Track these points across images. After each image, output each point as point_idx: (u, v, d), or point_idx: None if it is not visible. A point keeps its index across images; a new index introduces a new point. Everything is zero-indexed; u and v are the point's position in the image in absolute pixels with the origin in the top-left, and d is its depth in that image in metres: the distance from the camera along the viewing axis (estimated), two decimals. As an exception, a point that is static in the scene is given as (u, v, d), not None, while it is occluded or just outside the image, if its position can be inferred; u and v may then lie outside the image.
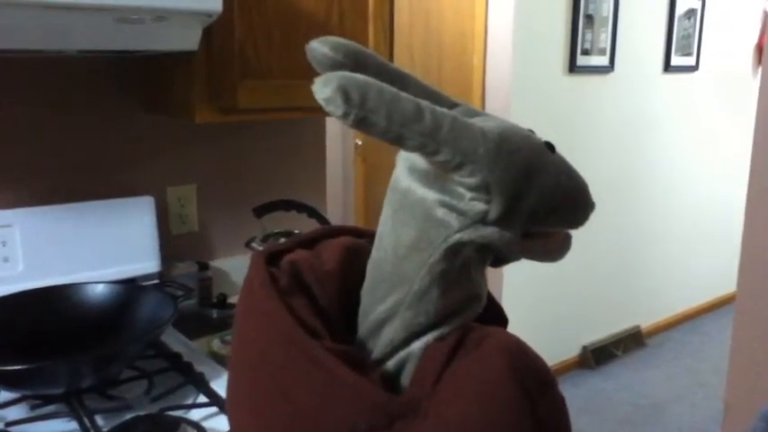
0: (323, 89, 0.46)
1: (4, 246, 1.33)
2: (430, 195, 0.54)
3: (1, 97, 1.37)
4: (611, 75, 3.42)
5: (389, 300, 0.57)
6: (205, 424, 1.06)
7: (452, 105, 0.59)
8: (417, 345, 0.56)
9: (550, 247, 0.59)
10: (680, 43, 3.75)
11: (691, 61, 3.85)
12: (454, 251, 0.54)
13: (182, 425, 1.05)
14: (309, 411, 0.53)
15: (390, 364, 0.57)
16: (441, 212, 0.54)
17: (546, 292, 3.36)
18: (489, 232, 0.53)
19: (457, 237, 0.54)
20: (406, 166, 0.56)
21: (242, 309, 0.61)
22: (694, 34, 3.83)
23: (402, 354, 0.57)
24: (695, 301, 4.27)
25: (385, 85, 0.48)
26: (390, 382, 0.57)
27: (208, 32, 1.20)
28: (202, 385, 1.19)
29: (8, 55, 1.33)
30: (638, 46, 3.53)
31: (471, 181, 0.52)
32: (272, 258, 0.63)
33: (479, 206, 0.53)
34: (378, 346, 0.58)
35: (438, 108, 0.51)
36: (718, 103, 4.13)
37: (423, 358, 0.55)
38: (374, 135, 0.49)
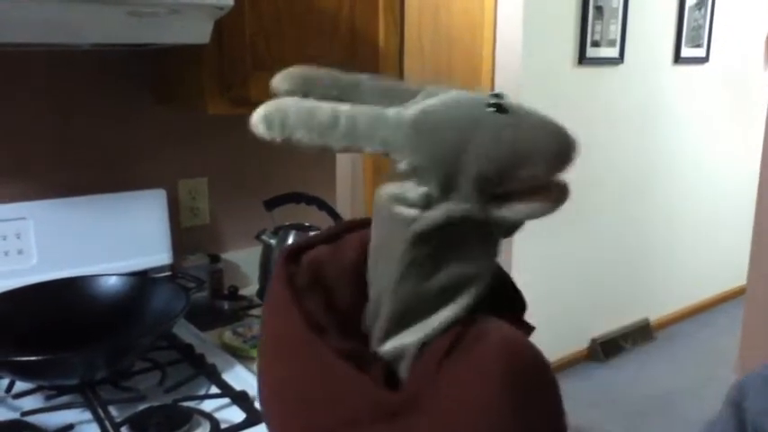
0: (253, 118, 0.52)
1: (18, 238, 1.34)
2: (386, 193, 0.56)
3: (14, 91, 1.38)
4: (621, 66, 3.40)
5: (373, 294, 0.59)
6: (217, 415, 1.07)
7: (414, 94, 0.61)
8: (409, 338, 0.57)
9: (538, 202, 0.58)
10: (690, 34, 3.72)
11: (701, 53, 3.82)
12: (418, 241, 0.55)
13: (194, 416, 1.06)
14: (316, 405, 0.55)
15: (388, 358, 0.58)
16: (396, 208, 0.55)
17: (555, 285, 3.35)
18: (441, 212, 0.54)
19: (413, 228, 0.55)
20: None
21: (265, 305, 0.63)
22: (705, 25, 3.80)
23: (397, 348, 0.58)
24: (704, 294, 4.26)
25: (304, 104, 0.53)
26: (393, 376, 0.57)
27: (219, 25, 1.21)
28: (214, 376, 1.20)
29: (22, 49, 1.34)
30: (648, 37, 3.51)
31: (403, 168, 0.53)
32: (297, 255, 0.63)
33: (419, 190, 0.54)
34: (374, 341, 0.59)
35: (357, 108, 0.54)
36: (728, 94, 4.10)
37: (418, 355, 0.55)
38: (304, 149, 0.53)
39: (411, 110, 0.55)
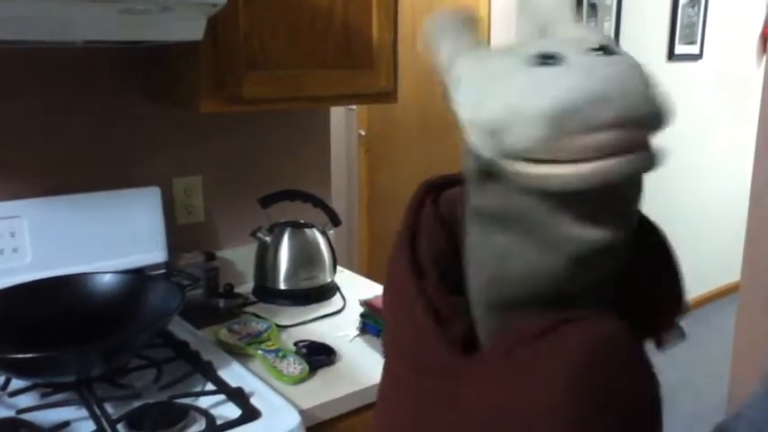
0: None
1: (12, 236, 1.34)
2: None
3: (8, 89, 1.38)
4: (615, 64, 3.41)
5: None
6: (213, 411, 1.07)
7: None
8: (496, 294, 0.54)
9: (559, 168, 0.49)
10: (684, 32, 3.73)
11: (695, 50, 3.84)
12: (471, 197, 0.54)
13: (190, 412, 1.07)
14: (400, 343, 0.58)
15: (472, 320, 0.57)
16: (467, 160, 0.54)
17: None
18: (469, 160, 0.53)
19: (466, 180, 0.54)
20: None
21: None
22: (698, 23, 3.82)
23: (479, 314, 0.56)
24: (699, 291, 4.27)
25: None
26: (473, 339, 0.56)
27: (213, 23, 1.21)
28: (210, 374, 1.20)
29: (15, 46, 1.34)
30: (642, 34, 3.52)
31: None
32: (440, 189, 0.63)
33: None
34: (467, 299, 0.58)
35: None
36: (722, 91, 4.11)
37: (499, 334, 0.54)
38: None
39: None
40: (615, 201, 0.50)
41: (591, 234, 0.49)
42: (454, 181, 0.61)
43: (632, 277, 0.56)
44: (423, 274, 0.57)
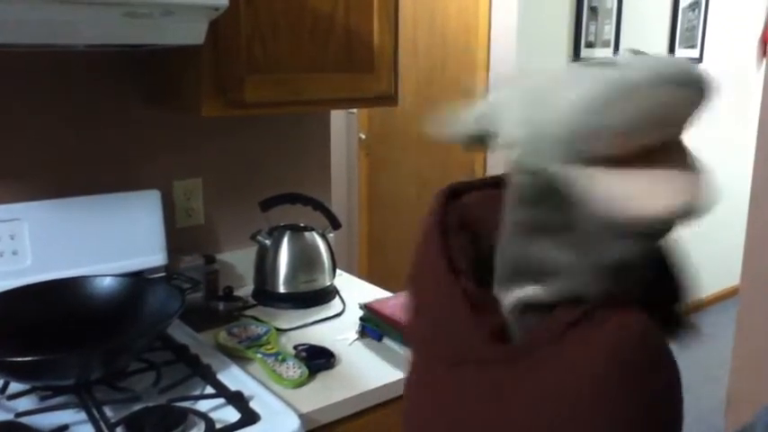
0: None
1: (12, 239, 1.34)
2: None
3: (9, 92, 1.38)
4: (616, 67, 3.41)
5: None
6: (212, 415, 1.07)
7: None
8: (506, 299, 0.56)
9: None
10: (684, 35, 3.74)
11: (695, 53, 3.84)
12: (516, 199, 0.56)
13: (189, 416, 1.06)
14: (435, 335, 0.59)
15: (509, 312, 0.58)
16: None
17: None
18: (515, 166, 0.55)
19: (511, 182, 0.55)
20: None
21: (420, 232, 0.66)
22: (698, 26, 3.82)
23: (515, 304, 0.57)
24: (699, 294, 4.27)
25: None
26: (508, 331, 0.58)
27: (215, 27, 1.21)
28: (209, 377, 1.20)
29: (16, 49, 1.34)
30: (643, 38, 3.53)
31: None
32: (459, 193, 0.65)
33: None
34: (494, 287, 0.60)
35: None
36: (721, 95, 4.12)
37: (534, 324, 0.55)
38: None
39: None
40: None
41: (631, 249, 0.50)
42: (472, 187, 0.64)
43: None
44: (458, 270, 0.59)
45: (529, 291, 0.55)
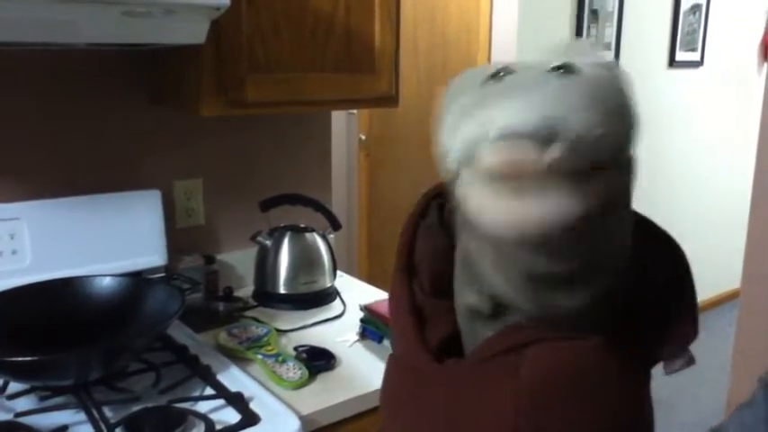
0: None
1: (12, 239, 1.34)
2: None
3: (9, 91, 1.38)
4: (616, 70, 3.41)
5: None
6: (212, 416, 1.07)
7: None
8: (468, 302, 0.58)
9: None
10: (685, 38, 3.74)
11: (696, 57, 3.84)
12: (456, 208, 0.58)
13: (189, 417, 1.06)
14: (394, 334, 0.65)
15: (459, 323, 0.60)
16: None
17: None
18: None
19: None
20: None
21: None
22: (699, 29, 3.82)
23: (463, 321, 0.59)
24: (700, 297, 4.24)
25: None
26: (456, 342, 0.60)
27: (216, 26, 1.21)
28: (209, 378, 1.20)
29: (16, 48, 1.34)
30: (643, 41, 3.52)
31: None
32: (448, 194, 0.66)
33: None
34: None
35: None
36: (722, 98, 4.12)
37: (477, 344, 0.57)
38: None
39: None
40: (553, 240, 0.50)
41: (538, 261, 0.51)
42: None
43: (646, 304, 0.57)
44: (414, 273, 0.61)
45: (472, 298, 0.56)
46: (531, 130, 0.46)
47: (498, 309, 0.53)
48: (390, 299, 0.65)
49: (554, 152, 0.46)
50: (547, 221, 0.48)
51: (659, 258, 0.58)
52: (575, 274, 0.51)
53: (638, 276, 0.54)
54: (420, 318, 0.58)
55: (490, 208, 0.49)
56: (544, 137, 0.46)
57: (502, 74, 0.50)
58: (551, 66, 0.50)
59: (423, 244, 0.61)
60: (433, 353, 0.56)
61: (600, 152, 0.47)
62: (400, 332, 0.61)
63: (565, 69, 0.50)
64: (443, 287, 0.60)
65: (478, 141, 0.49)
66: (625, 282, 0.53)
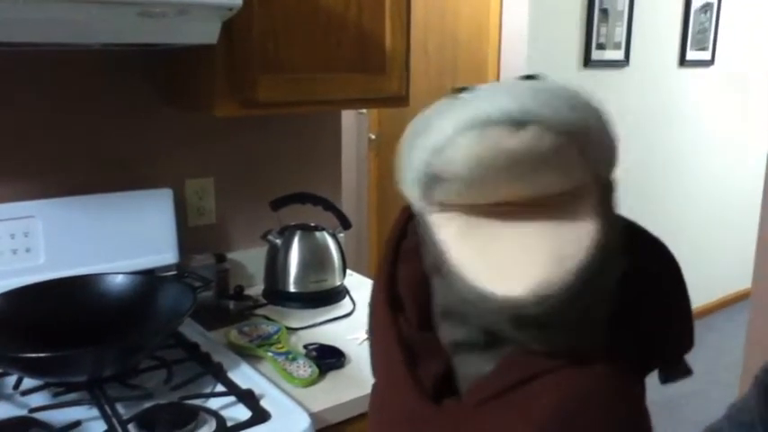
0: None
1: (26, 236, 1.35)
2: None
3: (23, 90, 1.39)
4: (627, 69, 3.40)
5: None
6: (223, 413, 1.08)
7: None
8: (453, 337, 0.53)
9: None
10: (696, 38, 3.72)
11: (706, 56, 3.82)
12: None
13: (200, 413, 1.07)
14: (376, 373, 0.57)
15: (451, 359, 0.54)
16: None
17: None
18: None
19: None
20: None
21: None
22: (710, 28, 3.80)
23: (456, 357, 0.54)
24: (710, 298, 4.25)
25: None
26: (449, 379, 0.54)
27: (228, 27, 1.21)
28: (220, 375, 1.20)
29: (31, 48, 1.35)
30: (654, 40, 3.51)
31: None
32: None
33: None
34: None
35: None
36: (733, 97, 4.10)
37: (472, 383, 0.51)
38: None
39: None
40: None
41: (530, 334, 0.47)
42: None
43: (640, 312, 0.53)
44: (400, 306, 0.54)
45: (460, 335, 0.51)
46: (501, 115, 0.42)
47: (491, 338, 0.49)
48: (371, 331, 0.57)
49: (528, 133, 0.42)
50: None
51: (651, 268, 0.53)
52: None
53: (629, 286, 0.50)
54: (410, 353, 0.52)
55: (471, 259, 0.44)
56: (517, 120, 0.42)
57: (460, 93, 0.46)
58: (519, 77, 0.49)
59: (404, 272, 0.55)
60: (429, 394, 0.51)
61: (577, 137, 0.43)
62: (386, 366, 0.54)
63: (532, 78, 0.48)
64: (432, 318, 0.55)
65: (443, 145, 0.43)
66: (616, 295, 0.49)
